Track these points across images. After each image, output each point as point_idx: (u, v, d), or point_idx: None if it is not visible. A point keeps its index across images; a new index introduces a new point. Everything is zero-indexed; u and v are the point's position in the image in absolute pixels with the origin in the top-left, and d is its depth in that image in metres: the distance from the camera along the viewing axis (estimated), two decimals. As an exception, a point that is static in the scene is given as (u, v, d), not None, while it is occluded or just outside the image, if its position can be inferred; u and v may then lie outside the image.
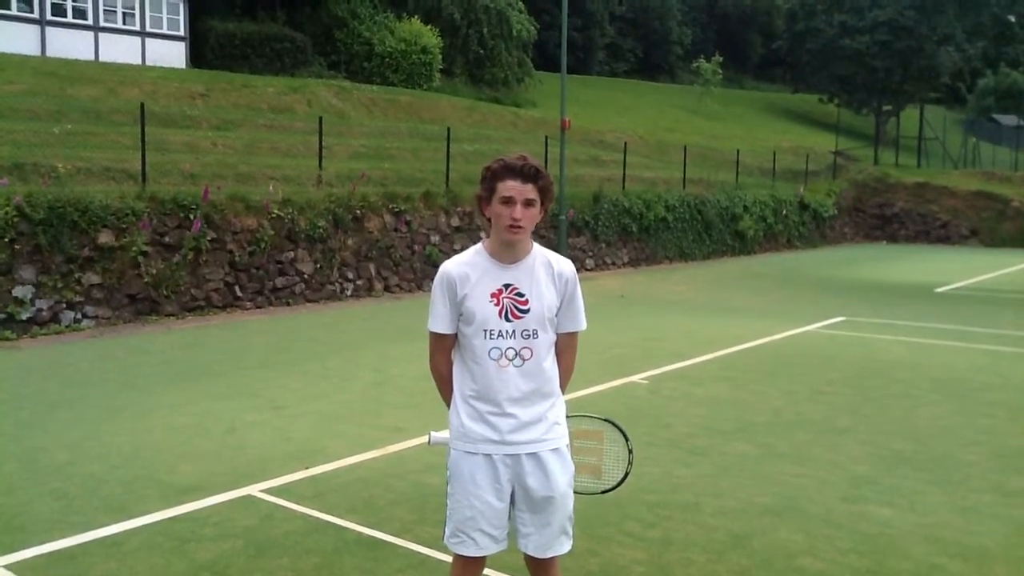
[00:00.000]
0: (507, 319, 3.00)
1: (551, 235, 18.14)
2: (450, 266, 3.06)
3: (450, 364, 3.17)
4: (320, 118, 16.86)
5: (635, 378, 8.82)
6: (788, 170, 30.85)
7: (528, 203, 2.95)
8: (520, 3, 35.45)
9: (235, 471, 5.82)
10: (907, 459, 6.31)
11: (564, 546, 3.15)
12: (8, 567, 4.34)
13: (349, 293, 14.65)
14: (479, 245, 3.10)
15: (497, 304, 3.00)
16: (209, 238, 12.68)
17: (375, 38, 28.21)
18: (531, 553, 3.13)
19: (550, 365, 3.11)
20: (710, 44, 57.17)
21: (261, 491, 5.45)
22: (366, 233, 15.03)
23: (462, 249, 3.36)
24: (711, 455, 6.35)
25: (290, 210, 13.86)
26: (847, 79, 45.67)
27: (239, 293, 13.09)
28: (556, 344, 3.15)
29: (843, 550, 4.69)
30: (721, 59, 44.90)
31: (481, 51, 33.01)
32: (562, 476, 3.09)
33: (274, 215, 13.61)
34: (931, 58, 44.76)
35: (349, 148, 18.95)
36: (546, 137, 20.88)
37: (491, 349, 3.01)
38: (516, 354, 3.02)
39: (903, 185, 32.17)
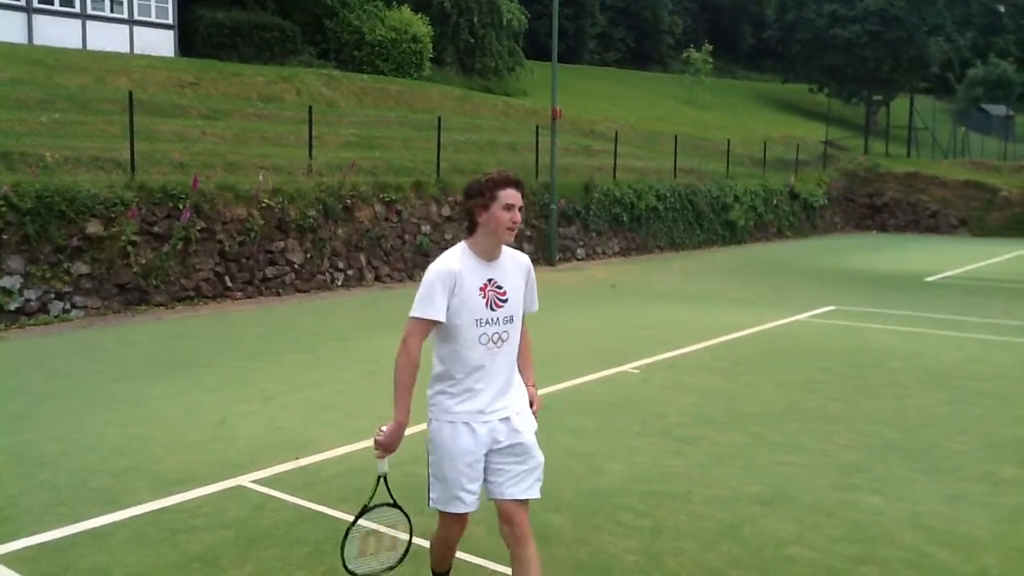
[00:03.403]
0: (492, 308, 3.50)
1: (542, 225, 18.13)
2: (450, 263, 3.45)
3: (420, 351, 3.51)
4: (310, 107, 16.76)
5: (626, 367, 8.83)
6: (778, 160, 30.87)
7: (520, 208, 3.49)
8: (510, -9, 35.30)
9: (225, 462, 5.80)
10: (897, 448, 6.35)
11: (536, 491, 3.55)
12: (-3, 559, 4.32)
13: (340, 283, 14.61)
14: (463, 245, 3.52)
15: (483, 296, 3.47)
16: (198, 228, 12.62)
17: (365, 27, 28.05)
18: (515, 496, 3.47)
19: (519, 342, 3.67)
20: (701, 34, 57.13)
21: (252, 482, 5.44)
22: (357, 223, 14.99)
23: (453, 238, 3.48)
24: (702, 444, 6.36)
25: (280, 200, 13.80)
26: (837, 69, 45.69)
27: (229, 283, 13.04)
28: None
29: (833, 538, 4.71)
30: (711, 49, 44.86)
31: (472, 40, 32.86)
32: (529, 428, 3.58)
33: (264, 205, 13.56)
34: (921, 48, 44.84)
35: (339, 137, 18.85)
36: (537, 126, 20.83)
37: (480, 335, 3.47)
38: (499, 337, 3.52)
39: (893, 175, 32.25)
